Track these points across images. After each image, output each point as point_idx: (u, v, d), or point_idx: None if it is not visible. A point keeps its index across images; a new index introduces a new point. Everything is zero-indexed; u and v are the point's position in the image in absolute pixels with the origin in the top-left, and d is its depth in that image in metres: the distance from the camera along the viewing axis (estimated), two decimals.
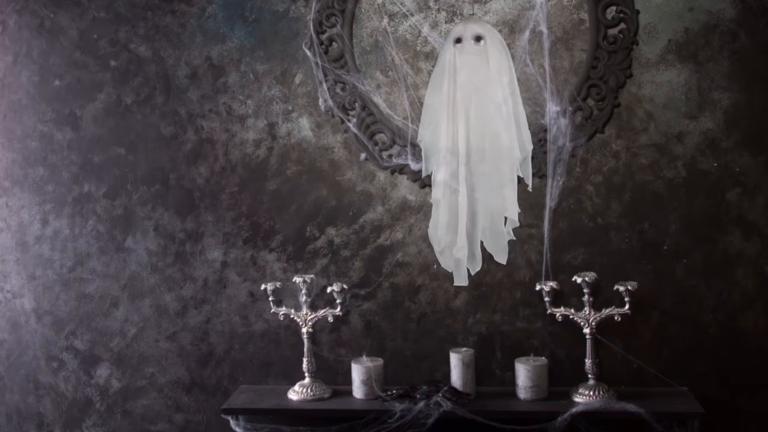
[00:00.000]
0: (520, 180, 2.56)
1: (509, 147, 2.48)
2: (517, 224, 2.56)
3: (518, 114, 2.50)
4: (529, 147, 2.52)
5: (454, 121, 2.50)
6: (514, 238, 2.59)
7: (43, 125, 2.87)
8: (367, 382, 2.58)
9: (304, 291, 2.65)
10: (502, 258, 2.57)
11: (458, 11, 2.63)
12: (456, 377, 2.56)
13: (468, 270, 2.59)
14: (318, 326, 2.75)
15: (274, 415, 2.64)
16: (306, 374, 2.66)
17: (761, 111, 2.52)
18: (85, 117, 2.85)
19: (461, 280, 2.59)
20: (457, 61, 2.50)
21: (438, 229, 2.56)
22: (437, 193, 2.55)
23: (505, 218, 2.55)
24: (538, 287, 2.55)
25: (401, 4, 2.65)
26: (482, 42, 2.48)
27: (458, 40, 2.51)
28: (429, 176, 2.64)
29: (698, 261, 2.57)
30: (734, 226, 2.55)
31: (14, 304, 2.93)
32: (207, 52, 2.77)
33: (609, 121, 2.58)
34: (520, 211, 2.56)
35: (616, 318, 2.50)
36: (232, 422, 2.64)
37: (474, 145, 2.50)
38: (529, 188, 2.55)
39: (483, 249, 2.59)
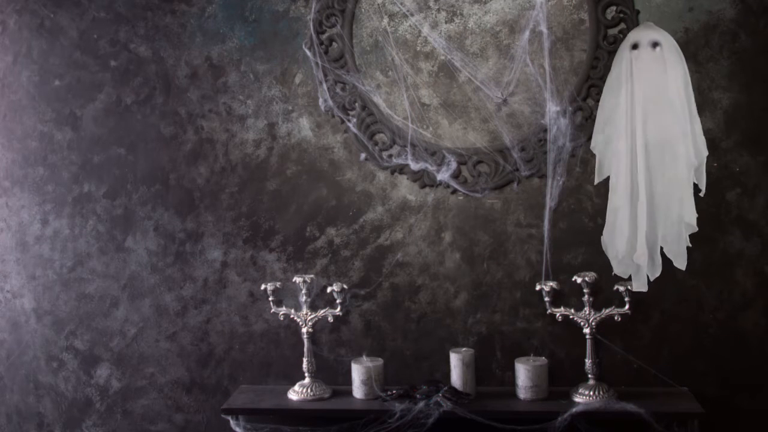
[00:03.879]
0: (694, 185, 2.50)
1: (686, 153, 2.43)
2: (695, 229, 2.47)
3: (693, 120, 2.45)
4: (705, 153, 2.46)
5: (632, 128, 2.46)
6: (691, 245, 2.49)
7: (43, 125, 2.87)
8: (367, 382, 2.58)
9: (304, 291, 2.65)
10: (681, 263, 2.49)
11: (458, 11, 2.64)
12: (456, 377, 2.56)
13: (648, 276, 2.51)
14: (318, 326, 2.75)
15: (274, 415, 2.64)
16: (306, 374, 2.66)
17: (761, 111, 2.52)
18: (85, 117, 2.85)
19: (641, 286, 2.50)
20: (633, 67, 2.46)
21: (616, 236, 2.50)
22: (617, 200, 2.49)
23: (683, 223, 2.47)
24: (538, 287, 2.55)
25: (401, 4, 2.65)
26: (659, 48, 2.45)
27: (635, 46, 2.46)
28: (426, 175, 2.65)
29: (698, 261, 2.57)
30: (734, 226, 2.55)
31: (14, 304, 2.93)
32: (207, 52, 2.78)
33: None
34: (697, 215, 2.46)
35: (616, 318, 2.50)
36: (232, 422, 2.64)
37: (652, 151, 2.45)
38: (702, 193, 2.48)
39: (662, 254, 2.51)
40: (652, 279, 2.49)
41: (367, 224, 2.73)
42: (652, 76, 2.45)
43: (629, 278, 2.50)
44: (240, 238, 2.80)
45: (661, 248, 2.48)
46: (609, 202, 2.51)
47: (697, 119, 2.47)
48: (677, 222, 2.46)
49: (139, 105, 2.82)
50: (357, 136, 2.69)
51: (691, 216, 2.45)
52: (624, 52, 2.48)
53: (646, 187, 2.44)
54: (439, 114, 2.66)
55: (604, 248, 2.53)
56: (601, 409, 2.42)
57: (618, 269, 2.51)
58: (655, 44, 2.45)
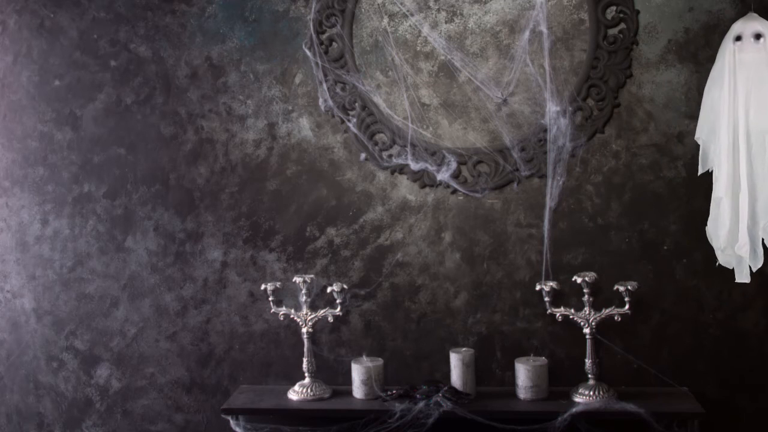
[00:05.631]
0: None
1: None
2: None
3: None
4: None
5: (734, 119, 2.41)
6: None
7: (43, 125, 2.87)
8: (367, 382, 2.58)
9: (304, 291, 2.65)
10: None
11: (458, 11, 2.64)
12: (456, 377, 2.56)
13: (750, 267, 2.46)
14: (318, 326, 2.75)
15: (274, 415, 2.64)
16: (306, 374, 2.66)
17: None
18: (85, 117, 2.85)
19: (743, 278, 2.46)
20: (736, 59, 2.41)
21: (719, 227, 2.46)
22: (719, 191, 2.44)
23: None
24: (538, 287, 2.55)
25: (401, 4, 2.65)
26: (762, 39, 2.42)
27: (738, 38, 2.41)
28: (426, 175, 2.65)
29: (698, 261, 2.57)
30: None
31: (14, 304, 2.93)
32: (207, 52, 2.78)
33: (609, 121, 2.58)
34: None
35: (616, 318, 2.50)
36: (232, 422, 2.64)
37: (754, 142, 2.42)
38: None
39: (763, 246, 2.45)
40: (754, 270, 2.46)
41: (367, 224, 2.73)
42: (755, 68, 2.40)
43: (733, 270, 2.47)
44: (240, 238, 2.80)
45: (763, 239, 2.44)
46: (713, 192, 2.48)
47: None
48: None
49: (139, 105, 2.82)
50: (357, 136, 2.69)
51: None
52: (727, 44, 2.44)
53: (748, 178, 2.41)
54: (439, 114, 2.66)
55: (708, 239, 2.50)
56: (601, 409, 2.42)
57: (721, 260, 2.49)
58: (758, 36, 2.41)
